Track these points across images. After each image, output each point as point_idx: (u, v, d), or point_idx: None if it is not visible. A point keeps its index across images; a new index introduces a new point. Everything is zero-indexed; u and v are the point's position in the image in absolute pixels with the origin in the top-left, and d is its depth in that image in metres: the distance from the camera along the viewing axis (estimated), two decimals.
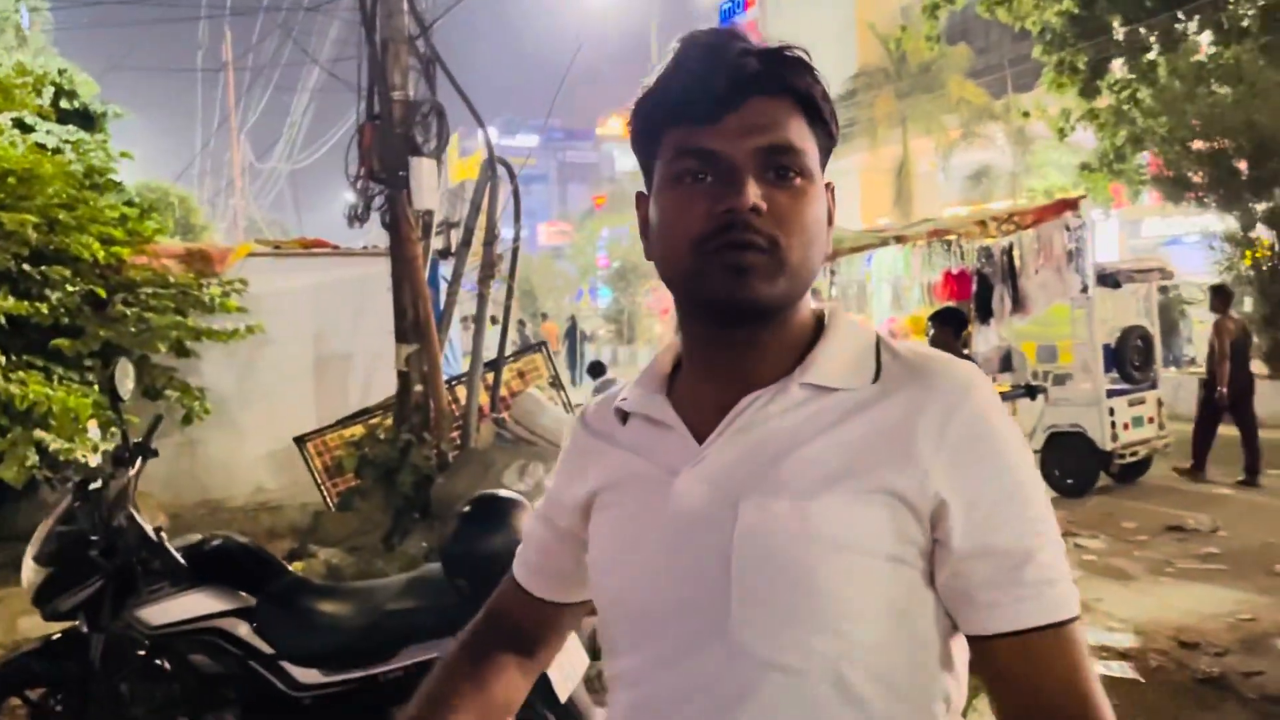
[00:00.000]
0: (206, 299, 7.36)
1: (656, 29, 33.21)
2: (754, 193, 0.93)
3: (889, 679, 0.91)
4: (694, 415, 1.02)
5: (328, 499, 7.31)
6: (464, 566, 2.80)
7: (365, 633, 2.92)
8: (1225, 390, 8.67)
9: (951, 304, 7.20)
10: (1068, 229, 6.86)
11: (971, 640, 0.93)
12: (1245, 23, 14.05)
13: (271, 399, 7.90)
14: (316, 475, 7.37)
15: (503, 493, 3.02)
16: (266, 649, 2.95)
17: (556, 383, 7.68)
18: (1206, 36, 14.72)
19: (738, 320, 0.98)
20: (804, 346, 1.01)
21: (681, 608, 0.96)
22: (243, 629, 2.98)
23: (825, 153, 1.00)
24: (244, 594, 3.04)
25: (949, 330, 6.21)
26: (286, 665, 2.94)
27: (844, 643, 0.90)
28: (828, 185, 1.01)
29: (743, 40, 0.97)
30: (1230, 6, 14.45)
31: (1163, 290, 12.44)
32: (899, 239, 7.93)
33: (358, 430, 7.20)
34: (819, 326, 1.04)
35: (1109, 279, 7.97)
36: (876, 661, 0.91)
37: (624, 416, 1.10)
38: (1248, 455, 8.76)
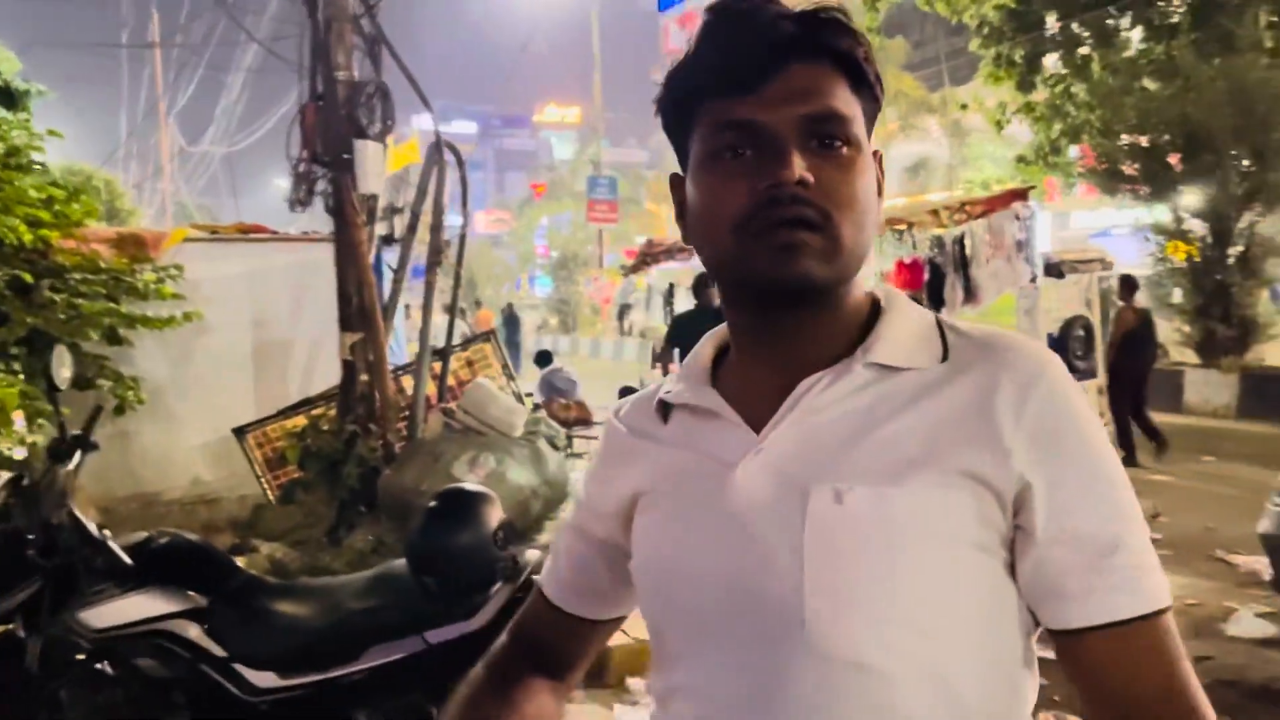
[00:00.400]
0: (140, 285, 7.07)
1: (597, 17, 32.99)
2: (800, 164, 0.86)
3: (978, 678, 0.86)
4: (745, 404, 0.95)
5: (268, 492, 7.11)
6: (432, 563, 2.69)
7: (325, 633, 2.79)
8: (1106, 377, 9.02)
9: (904, 293, 7.22)
10: (1018, 219, 6.93)
11: (1057, 634, 0.87)
12: (1175, 19, 14.38)
13: (209, 388, 7.64)
14: (256, 467, 7.16)
15: (470, 486, 2.92)
16: (219, 651, 2.81)
17: (507, 372, 7.55)
18: (1138, 33, 15.05)
19: (790, 304, 0.91)
20: (861, 328, 0.94)
21: (751, 609, 0.88)
22: (193, 631, 2.83)
23: (871, 118, 0.93)
24: (194, 594, 2.89)
25: None
26: (240, 668, 2.80)
27: (932, 640, 0.84)
28: (875, 153, 0.94)
29: (776, 4, 0.90)
30: (1160, 3, 14.79)
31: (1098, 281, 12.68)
32: None
33: (300, 421, 7.00)
34: (875, 308, 0.97)
35: (1054, 269, 8.09)
36: (965, 659, 0.85)
37: (665, 413, 1.02)
38: (1149, 435, 9.15)
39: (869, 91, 0.92)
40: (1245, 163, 11.14)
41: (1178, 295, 12.58)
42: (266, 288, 7.91)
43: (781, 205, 0.86)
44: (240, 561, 5.66)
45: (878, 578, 0.84)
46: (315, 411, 6.98)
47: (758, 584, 0.88)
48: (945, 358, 0.91)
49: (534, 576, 2.93)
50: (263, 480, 7.14)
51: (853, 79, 0.90)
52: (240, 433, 7.16)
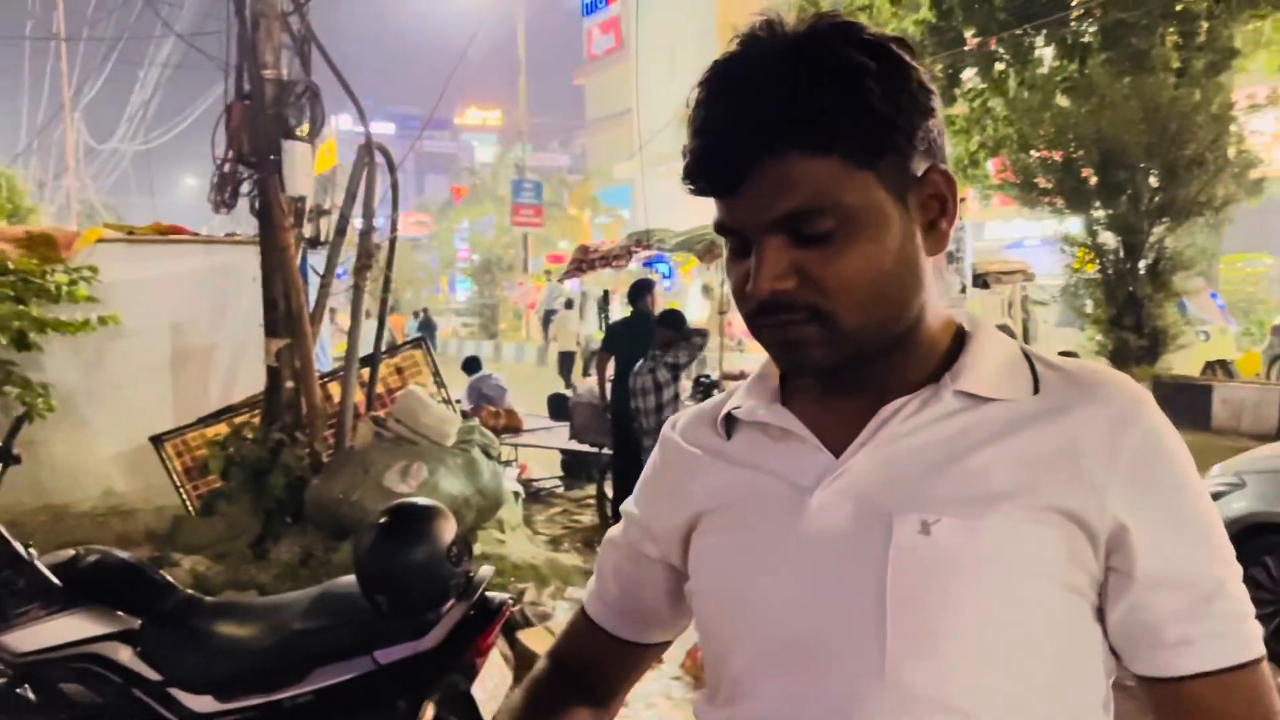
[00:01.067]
0: (51, 287, 6.77)
1: (523, 19, 32.85)
2: (771, 274, 0.83)
3: None
4: (821, 427, 0.91)
5: (188, 503, 6.86)
6: (383, 581, 2.60)
7: (269, 655, 2.68)
8: None
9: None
10: None
11: (1151, 681, 0.84)
12: (1087, 39, 14.85)
13: (124, 395, 7.35)
14: (175, 477, 6.91)
15: (422, 501, 2.83)
16: (153, 675, 2.68)
17: (439, 379, 7.42)
18: (1052, 51, 15.49)
19: (830, 379, 0.91)
20: (945, 355, 0.91)
21: (827, 642, 0.85)
22: (124, 654, 2.70)
23: (897, 146, 0.83)
24: (125, 615, 2.76)
25: None
26: (176, 693, 2.68)
27: (1018, 682, 0.81)
28: (932, 171, 0.86)
29: (764, 72, 0.82)
30: (1073, 23, 15.25)
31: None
32: None
33: (222, 429, 6.77)
34: (959, 336, 0.93)
35: (980, 280, 8.25)
36: (1050, 703, 0.83)
37: (729, 429, 0.98)
38: None
39: (881, 134, 0.82)
40: (1155, 179, 11.53)
41: (1091, 306, 12.95)
42: (186, 291, 7.64)
43: (766, 314, 0.85)
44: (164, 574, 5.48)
45: (965, 614, 0.81)
46: (238, 419, 6.76)
47: (836, 617, 0.84)
48: (1036, 390, 0.88)
49: (488, 594, 2.87)
50: (182, 491, 6.89)
51: (845, 143, 0.82)
52: (158, 441, 6.90)
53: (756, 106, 0.81)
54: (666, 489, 1.02)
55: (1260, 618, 0.84)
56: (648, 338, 6.92)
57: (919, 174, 0.86)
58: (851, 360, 0.87)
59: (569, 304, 20.40)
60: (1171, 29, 13.61)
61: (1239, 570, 0.85)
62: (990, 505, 0.82)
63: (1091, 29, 14.86)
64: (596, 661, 1.09)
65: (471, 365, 10.64)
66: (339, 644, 2.65)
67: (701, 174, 0.85)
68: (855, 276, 0.83)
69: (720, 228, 0.88)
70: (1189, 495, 0.84)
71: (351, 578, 2.75)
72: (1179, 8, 13.65)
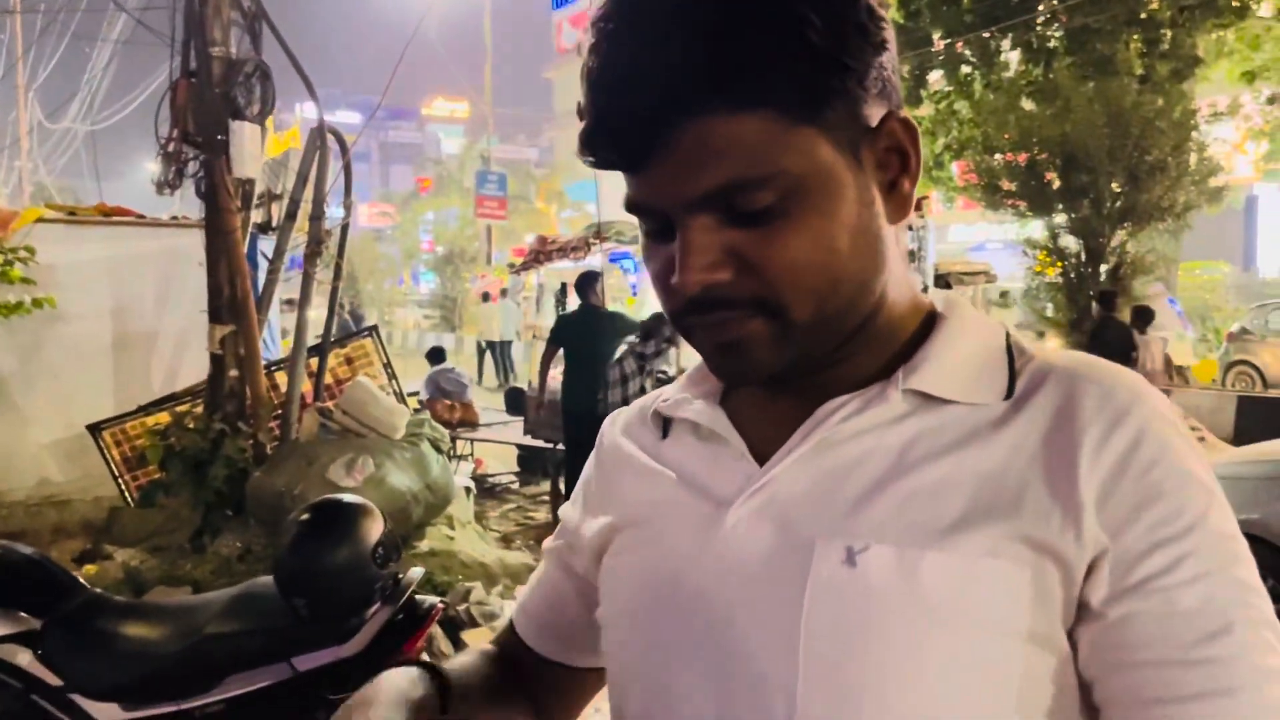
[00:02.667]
0: None
1: (491, 10, 32.56)
2: (701, 263, 0.66)
3: None
4: (758, 430, 0.76)
5: (126, 493, 6.65)
6: (302, 583, 2.44)
7: (179, 660, 2.51)
8: None
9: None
10: (911, 229, 6.98)
11: None
12: (1052, 43, 14.91)
13: (61, 382, 7.11)
14: (114, 467, 6.69)
15: (347, 498, 2.67)
16: (54, 680, 2.50)
17: (389, 370, 7.24)
18: (1018, 54, 15.56)
19: (782, 379, 0.74)
20: (904, 346, 0.74)
21: (730, 693, 0.69)
22: (23, 657, 2.52)
23: (843, 90, 0.66)
24: (25, 615, 2.57)
25: None
26: (79, 699, 2.50)
27: None
28: (889, 119, 0.69)
29: (664, 18, 0.64)
30: (1039, 27, 15.31)
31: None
32: None
33: (162, 418, 6.55)
34: (929, 321, 0.76)
35: (942, 280, 8.20)
36: None
37: (664, 426, 0.84)
38: None
39: (822, 77, 0.65)
40: (1118, 184, 11.57)
41: (1051, 309, 13.00)
42: (129, 275, 7.41)
43: (698, 312, 0.69)
44: (92, 569, 5.28)
45: (891, 672, 0.64)
46: (180, 408, 6.55)
47: (741, 664, 0.69)
48: (1011, 391, 0.71)
49: (416, 597, 2.72)
50: (120, 481, 6.67)
51: (778, 92, 0.64)
52: (96, 430, 6.67)
53: (664, 52, 0.63)
54: (592, 494, 0.89)
55: None
56: (595, 330, 6.79)
57: (873, 123, 0.69)
58: (803, 361, 0.71)
59: (485, 297, 20.57)
60: (1136, 35, 13.69)
61: (1270, 620, 0.63)
62: (935, 533, 0.66)
63: (1057, 33, 14.93)
64: (526, 676, 0.97)
65: (436, 355, 10.44)
66: (254, 650, 2.49)
67: (602, 142, 0.68)
68: (805, 259, 0.67)
69: (632, 207, 0.71)
70: (1193, 510, 0.64)
71: (270, 579, 2.59)
72: (1143, 15, 13.74)
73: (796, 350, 0.70)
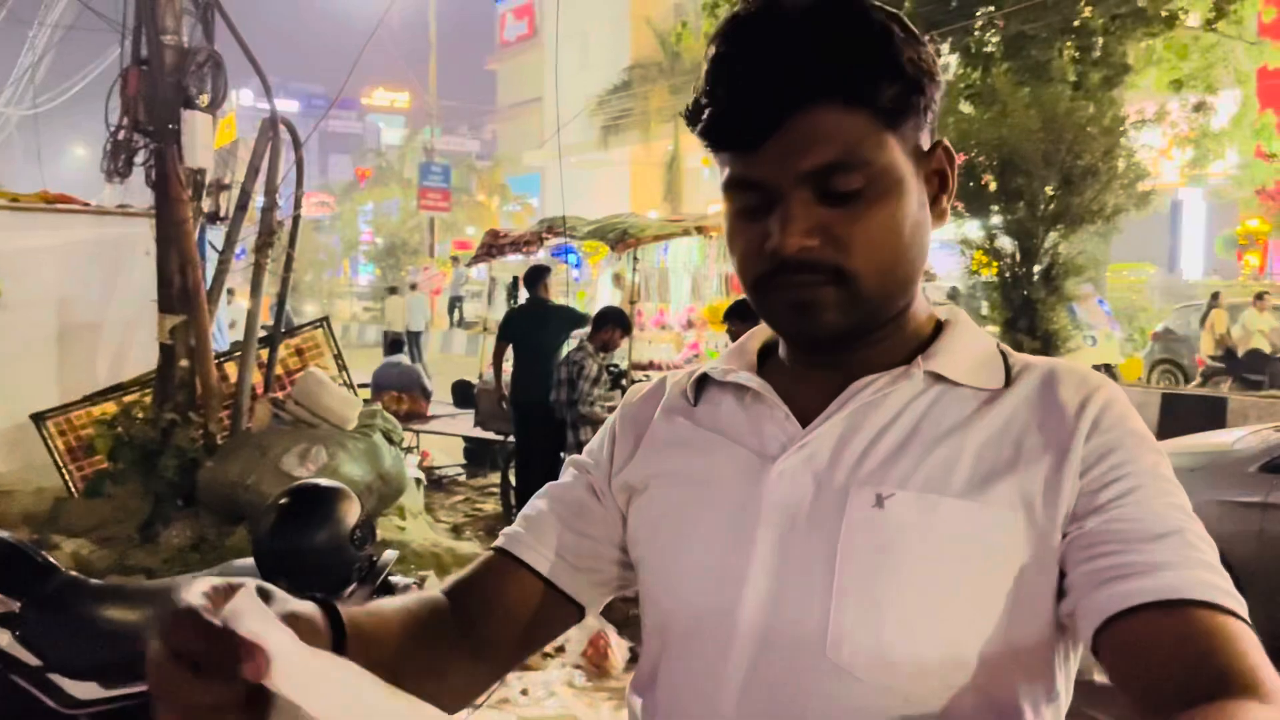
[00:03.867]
0: None
1: (435, 1, 32.33)
2: (801, 229, 0.82)
3: (1006, 702, 0.81)
4: (793, 399, 0.90)
5: (71, 484, 6.57)
6: (282, 564, 2.51)
7: None
8: None
9: (744, 296, 7.31)
10: None
11: (1099, 636, 0.75)
12: (990, 49, 15.27)
13: (3, 371, 6.99)
14: (58, 457, 6.61)
15: (325, 482, 2.75)
16: (32, 660, 2.55)
17: (340, 361, 7.25)
18: (956, 59, 15.90)
19: (828, 350, 0.90)
20: (923, 344, 0.90)
21: (776, 615, 0.83)
22: (2, 638, 2.56)
23: (917, 111, 0.85)
24: (3, 597, 2.61)
25: (747, 325, 6.26)
26: (57, 679, 2.54)
27: (964, 664, 0.79)
28: (938, 146, 0.89)
29: (792, 25, 0.81)
30: (977, 33, 15.67)
31: None
32: (699, 229, 8.00)
33: (110, 408, 6.51)
34: (938, 327, 0.93)
35: None
36: (996, 689, 0.80)
37: (696, 396, 0.97)
38: None
39: (906, 95, 0.83)
40: (1051, 187, 11.92)
41: (987, 308, 13.33)
42: (74, 264, 7.32)
43: (788, 271, 0.83)
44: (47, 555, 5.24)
45: (911, 587, 0.79)
46: (128, 398, 6.51)
47: (785, 596, 0.83)
48: (1008, 381, 0.88)
49: (391, 578, 2.81)
50: (65, 471, 6.60)
51: (881, 98, 0.82)
52: (39, 419, 6.59)
53: (789, 57, 0.80)
54: (624, 449, 0.99)
55: None
56: (542, 324, 6.85)
57: (927, 146, 0.87)
58: (861, 328, 0.86)
59: (392, 290, 20.92)
60: (1070, 42, 14.08)
61: (1204, 531, 0.79)
62: (949, 485, 0.81)
63: (994, 39, 15.28)
64: (502, 609, 0.96)
65: (394, 348, 10.47)
66: None
67: (727, 126, 0.83)
68: (881, 239, 0.83)
69: (737, 183, 0.85)
70: (1149, 458, 0.82)
71: (249, 560, 2.65)
72: (1077, 23, 14.14)
73: (859, 316, 0.85)
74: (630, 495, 0.97)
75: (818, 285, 0.83)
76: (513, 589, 0.97)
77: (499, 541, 1.01)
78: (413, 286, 20.56)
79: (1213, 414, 9.55)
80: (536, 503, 1.02)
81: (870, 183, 0.82)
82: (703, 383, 0.98)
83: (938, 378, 0.87)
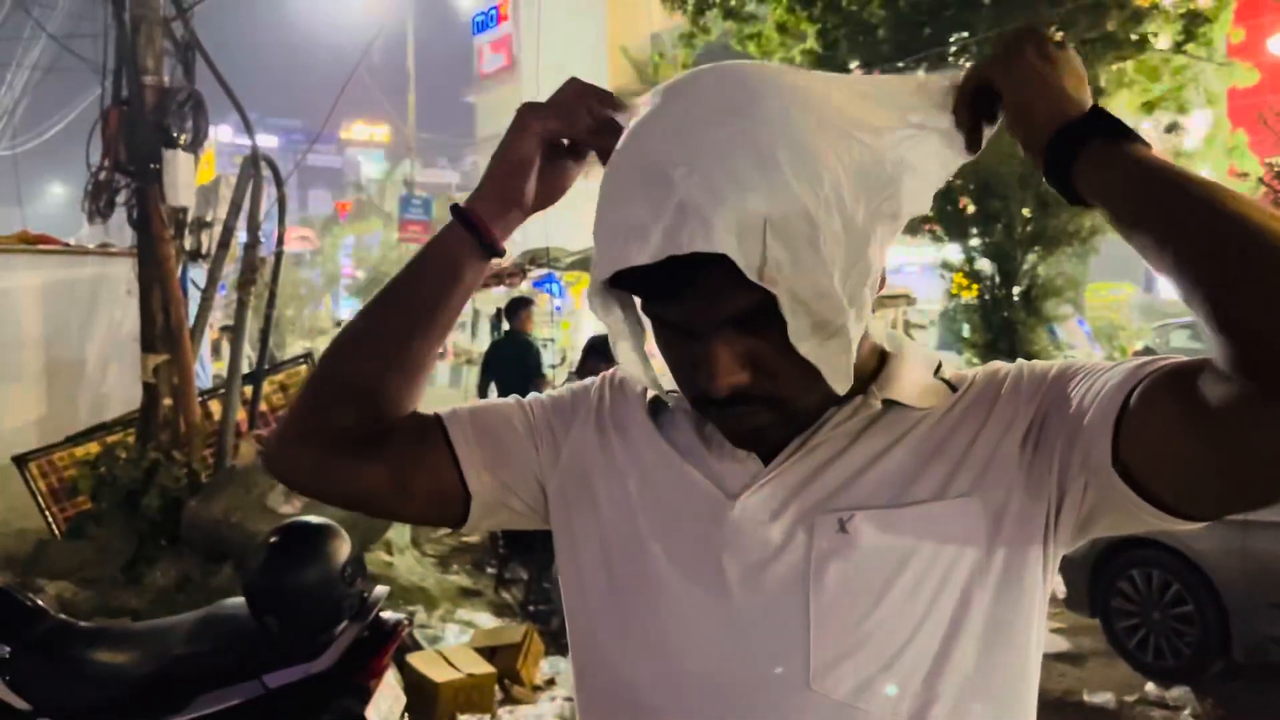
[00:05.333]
0: None
1: (413, 33, 32.50)
2: (728, 370, 0.80)
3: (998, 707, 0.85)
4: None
5: (54, 525, 6.52)
6: (274, 601, 2.51)
7: (149, 682, 2.56)
8: None
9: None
10: None
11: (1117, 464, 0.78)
12: None
13: None
14: (40, 499, 6.56)
15: (315, 520, 2.75)
16: (22, 705, 2.53)
17: None
18: None
19: None
20: (870, 375, 0.90)
21: (755, 662, 0.83)
22: None
23: None
24: None
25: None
26: None
27: (947, 667, 0.82)
28: None
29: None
30: (952, 58, 15.87)
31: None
32: None
33: (92, 448, 6.48)
34: (883, 357, 0.93)
35: None
36: (980, 678, 0.83)
37: (655, 411, 0.96)
38: None
39: None
40: (1028, 210, 12.05)
41: (968, 330, 13.42)
42: (55, 303, 7.31)
43: (719, 407, 0.84)
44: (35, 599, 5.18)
45: (883, 605, 0.82)
46: (111, 438, 6.48)
47: (761, 629, 0.83)
48: (953, 393, 0.91)
49: (382, 615, 2.80)
50: (47, 513, 6.55)
51: None
52: (21, 461, 6.54)
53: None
54: (579, 439, 0.99)
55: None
56: (521, 357, 6.90)
57: None
58: (804, 429, 0.87)
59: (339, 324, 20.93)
60: None
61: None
62: (909, 494, 0.84)
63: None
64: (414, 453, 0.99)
65: None
66: (225, 668, 2.55)
67: (641, 277, 0.78)
68: (807, 360, 0.80)
69: (657, 319, 0.84)
70: (1074, 366, 0.86)
71: (239, 599, 2.65)
72: None
73: (802, 423, 0.86)
74: (564, 491, 0.98)
75: (754, 414, 0.83)
76: (432, 453, 0.99)
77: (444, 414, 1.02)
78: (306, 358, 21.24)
79: None
80: (484, 402, 1.05)
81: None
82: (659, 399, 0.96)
83: (892, 403, 0.88)
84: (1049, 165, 0.81)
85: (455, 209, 0.97)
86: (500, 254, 0.98)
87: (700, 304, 0.79)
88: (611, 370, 1.03)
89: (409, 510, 1.05)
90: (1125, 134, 0.79)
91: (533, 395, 1.05)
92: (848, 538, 0.83)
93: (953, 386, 0.91)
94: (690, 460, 0.92)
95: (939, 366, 0.94)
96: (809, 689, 0.81)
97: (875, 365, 0.92)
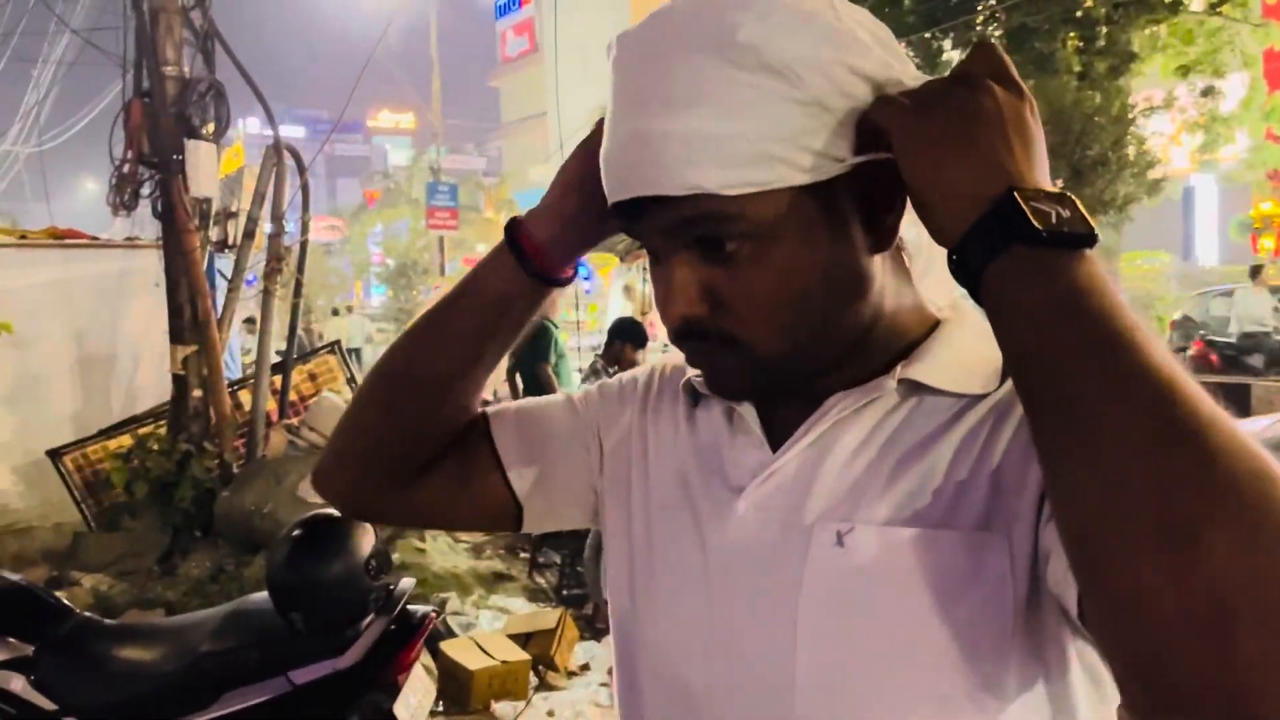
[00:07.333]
0: None
1: (435, 20, 32.43)
2: (683, 298, 0.73)
3: None
4: (780, 419, 0.81)
5: (89, 519, 6.56)
6: (298, 597, 2.48)
7: (174, 678, 2.53)
8: None
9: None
10: None
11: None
12: (992, 42, 15.20)
13: (18, 407, 7.00)
14: (75, 492, 6.60)
15: (337, 512, 2.70)
16: (47, 704, 2.51)
17: (353, 385, 7.23)
18: (959, 54, 15.84)
19: (763, 396, 0.83)
20: (909, 348, 0.79)
21: (740, 671, 0.76)
22: (16, 683, 2.52)
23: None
24: (16, 641, 2.58)
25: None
26: None
27: (941, 712, 0.70)
28: (869, 158, 0.71)
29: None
30: (979, 27, 15.60)
31: None
32: None
33: (125, 441, 6.50)
34: (935, 327, 0.81)
35: None
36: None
37: (694, 398, 0.90)
38: None
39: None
40: (1062, 180, 11.85)
41: None
42: (85, 298, 7.32)
43: (681, 339, 0.77)
44: (60, 596, 5.22)
45: (876, 638, 0.71)
46: (143, 430, 6.50)
47: (751, 644, 0.76)
48: (1001, 383, 0.75)
49: (409, 608, 2.76)
50: (83, 506, 6.59)
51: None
52: (55, 455, 6.58)
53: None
54: (623, 406, 0.95)
55: None
56: (541, 338, 6.86)
57: (843, 166, 0.72)
58: (777, 384, 0.78)
59: (335, 312, 22.61)
60: (1073, 33, 13.99)
61: None
62: (916, 511, 0.71)
63: (996, 33, 15.22)
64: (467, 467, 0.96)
65: None
66: (251, 665, 2.52)
67: (608, 195, 0.77)
68: (769, 297, 0.72)
69: (632, 236, 0.80)
70: None
71: (264, 594, 2.62)
72: (1079, 13, 14.05)
73: (765, 377, 0.76)
74: (607, 489, 0.93)
75: (712, 352, 0.76)
76: (480, 473, 0.96)
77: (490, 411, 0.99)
78: (349, 309, 23.02)
79: (1237, 402, 9.43)
80: (532, 399, 1.01)
81: (749, 238, 0.72)
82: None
83: (916, 386, 0.76)
84: (956, 261, 0.65)
85: (509, 226, 0.91)
86: (560, 282, 0.92)
87: (654, 216, 0.74)
88: (664, 361, 0.98)
89: (463, 526, 1.03)
90: (1068, 237, 0.61)
91: (584, 390, 1.00)
92: (844, 553, 0.72)
93: (1005, 371, 0.75)
94: (707, 453, 0.85)
95: None
96: (794, 711, 0.73)
97: (918, 336, 0.80)
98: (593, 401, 0.97)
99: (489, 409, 0.99)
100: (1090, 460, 0.54)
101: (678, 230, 0.73)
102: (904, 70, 0.73)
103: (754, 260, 0.72)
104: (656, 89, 0.71)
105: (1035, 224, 0.61)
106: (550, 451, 0.95)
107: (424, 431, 0.93)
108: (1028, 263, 0.61)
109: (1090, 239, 0.61)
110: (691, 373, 0.89)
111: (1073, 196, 0.63)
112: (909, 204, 0.73)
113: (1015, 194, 0.62)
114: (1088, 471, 0.54)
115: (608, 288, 20.57)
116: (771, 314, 0.73)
